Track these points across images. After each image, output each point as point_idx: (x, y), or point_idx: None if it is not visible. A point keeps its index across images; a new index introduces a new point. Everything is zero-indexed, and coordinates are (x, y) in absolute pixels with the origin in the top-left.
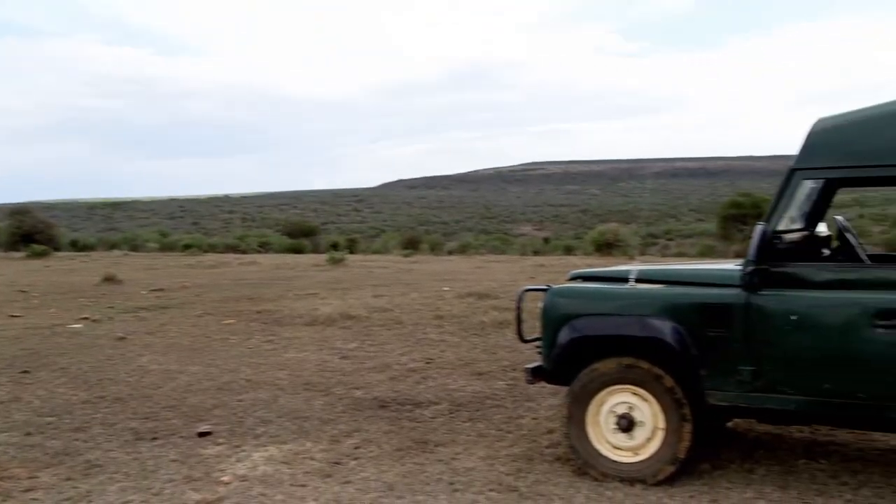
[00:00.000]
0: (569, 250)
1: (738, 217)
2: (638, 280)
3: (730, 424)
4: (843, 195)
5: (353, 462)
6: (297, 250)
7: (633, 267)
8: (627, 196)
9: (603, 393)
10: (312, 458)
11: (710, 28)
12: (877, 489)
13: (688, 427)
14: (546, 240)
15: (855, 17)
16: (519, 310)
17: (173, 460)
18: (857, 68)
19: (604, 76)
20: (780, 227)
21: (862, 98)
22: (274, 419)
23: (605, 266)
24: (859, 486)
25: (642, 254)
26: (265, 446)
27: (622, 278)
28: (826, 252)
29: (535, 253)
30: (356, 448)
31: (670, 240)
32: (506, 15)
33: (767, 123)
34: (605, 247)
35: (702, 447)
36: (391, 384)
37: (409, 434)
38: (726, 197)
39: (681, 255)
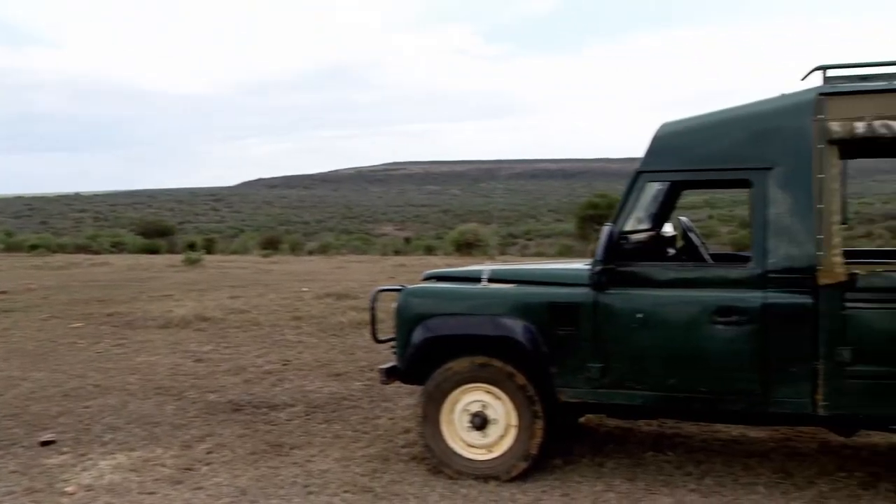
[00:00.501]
0: (430, 250)
1: (594, 217)
2: (490, 280)
3: (581, 420)
4: (693, 196)
5: (206, 467)
6: (153, 251)
7: (486, 267)
8: (488, 196)
9: (457, 392)
10: (163, 465)
11: (569, 33)
12: (718, 478)
13: (540, 424)
14: (407, 240)
15: (705, 27)
16: (373, 310)
17: (13, 471)
18: (706, 75)
19: (466, 77)
20: (627, 228)
21: (711, 103)
22: (123, 426)
23: (465, 266)
24: (703, 475)
25: (502, 253)
26: (113, 454)
27: (475, 278)
28: (671, 251)
29: (396, 253)
30: (209, 453)
31: (530, 240)
32: (370, 15)
33: (623, 126)
34: (466, 247)
35: (554, 443)
36: (246, 387)
37: (263, 437)
38: (583, 198)
39: (540, 254)
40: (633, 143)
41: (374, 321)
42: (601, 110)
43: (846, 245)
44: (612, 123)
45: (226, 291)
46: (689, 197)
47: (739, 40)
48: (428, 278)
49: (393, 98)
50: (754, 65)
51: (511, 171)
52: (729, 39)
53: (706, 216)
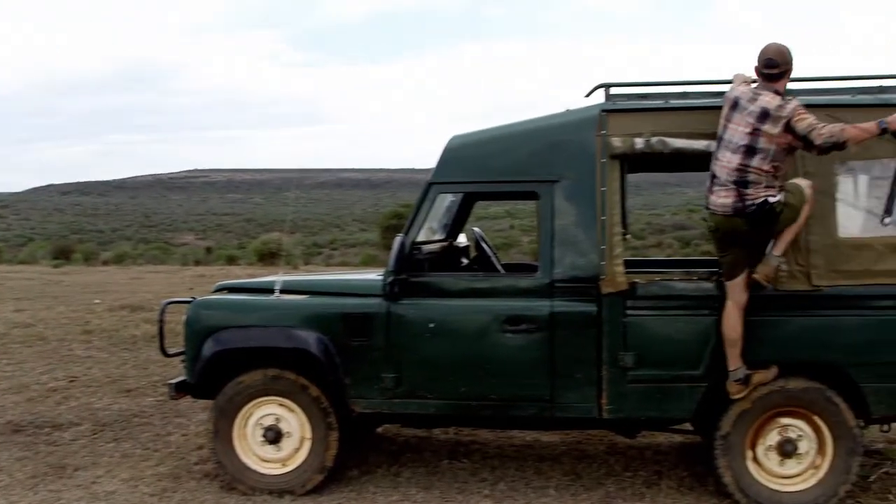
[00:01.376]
0: (232, 260)
1: (398, 227)
2: (283, 291)
3: (379, 430)
4: (496, 207)
5: None
6: None
7: (279, 278)
8: (292, 205)
9: (250, 405)
10: None
11: (378, 43)
12: (511, 483)
13: (334, 435)
14: (208, 249)
15: (510, 42)
16: (161, 323)
17: None
18: (513, 87)
19: (273, 84)
20: (420, 239)
21: (517, 114)
22: None
23: (262, 277)
24: (497, 481)
25: (307, 263)
26: None
27: (268, 289)
28: (465, 261)
29: (197, 263)
30: None
31: (335, 249)
32: (172, 15)
33: (429, 137)
34: (269, 256)
35: (350, 453)
36: (28, 406)
37: (45, 459)
38: (388, 207)
39: (344, 264)
40: (438, 154)
41: (161, 334)
42: (408, 120)
43: (639, 254)
44: (418, 133)
45: (10, 304)
46: (491, 207)
47: (546, 55)
48: (219, 290)
49: (196, 103)
50: (559, 78)
51: (316, 180)
52: (536, 54)
53: (508, 226)
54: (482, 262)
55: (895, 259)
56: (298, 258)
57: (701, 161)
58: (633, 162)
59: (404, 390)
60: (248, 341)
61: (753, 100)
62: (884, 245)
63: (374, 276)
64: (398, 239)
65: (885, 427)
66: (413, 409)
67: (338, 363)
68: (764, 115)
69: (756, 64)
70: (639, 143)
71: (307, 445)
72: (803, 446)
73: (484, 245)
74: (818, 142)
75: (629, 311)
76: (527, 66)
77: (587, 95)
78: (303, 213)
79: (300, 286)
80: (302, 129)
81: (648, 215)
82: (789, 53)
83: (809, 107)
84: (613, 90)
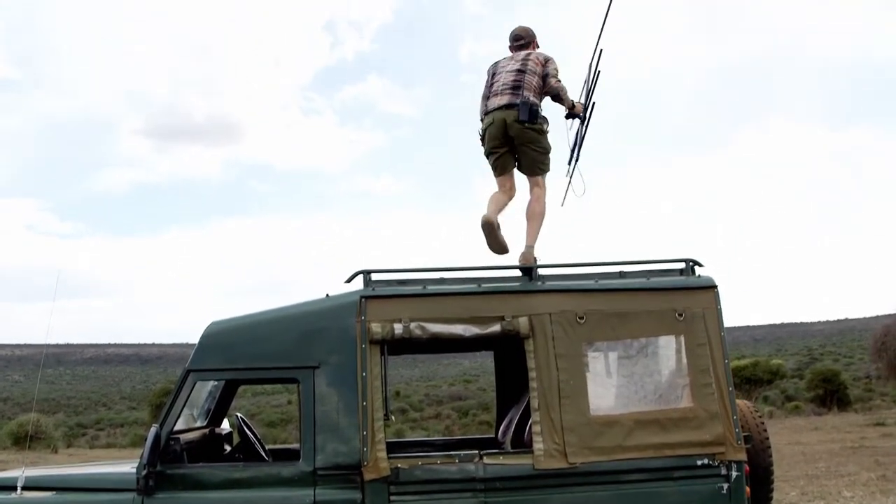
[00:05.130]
0: None
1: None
2: (26, 488)
3: None
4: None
5: None
6: None
7: (21, 473)
8: (54, 383)
9: None
10: None
11: (146, 217)
12: None
13: None
14: None
15: (279, 218)
16: None
17: None
18: (288, 263)
19: (34, 255)
20: (178, 427)
21: (292, 290)
22: None
23: (7, 471)
24: None
25: (69, 446)
26: None
27: (10, 486)
28: (228, 449)
29: None
30: None
31: (101, 430)
32: None
33: (201, 311)
34: (25, 439)
35: None
36: None
37: None
38: (160, 384)
39: (111, 445)
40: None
41: None
42: (179, 294)
43: (418, 426)
44: (190, 308)
45: None
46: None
47: (313, 233)
48: None
49: None
50: (326, 256)
51: (82, 356)
52: (305, 231)
53: (285, 401)
54: (246, 450)
55: (642, 434)
56: (59, 441)
57: (459, 344)
58: (394, 345)
59: None
60: None
61: (511, 59)
62: (632, 421)
63: (128, 468)
64: (153, 430)
65: None
66: None
67: None
68: (527, 56)
69: (508, 44)
70: (398, 328)
71: None
72: None
73: (247, 431)
74: (556, 86)
75: (393, 497)
76: (294, 243)
77: (347, 281)
78: (66, 391)
79: (45, 482)
80: (66, 301)
81: (426, 386)
82: (531, 29)
83: (556, 291)
84: (373, 276)
